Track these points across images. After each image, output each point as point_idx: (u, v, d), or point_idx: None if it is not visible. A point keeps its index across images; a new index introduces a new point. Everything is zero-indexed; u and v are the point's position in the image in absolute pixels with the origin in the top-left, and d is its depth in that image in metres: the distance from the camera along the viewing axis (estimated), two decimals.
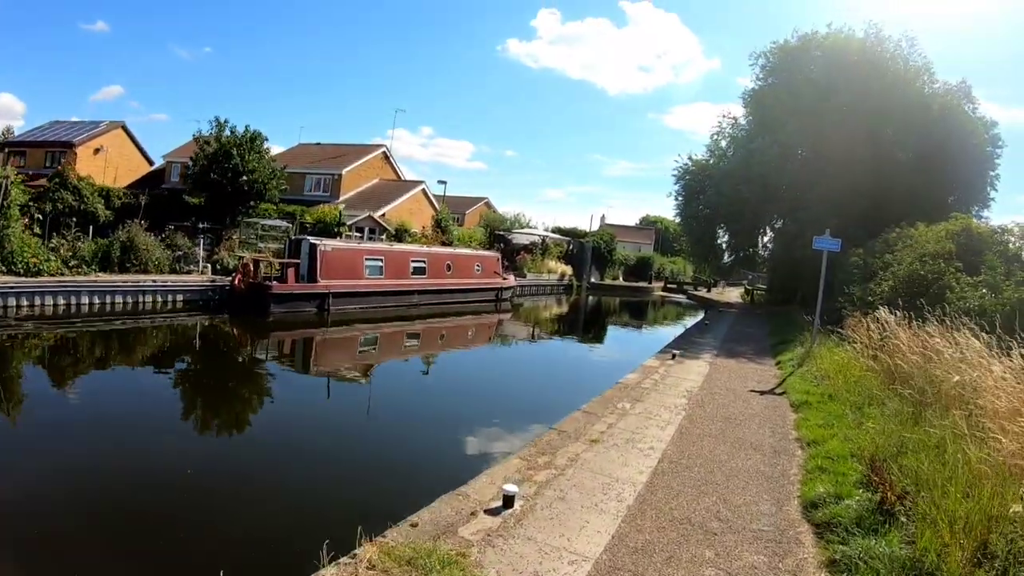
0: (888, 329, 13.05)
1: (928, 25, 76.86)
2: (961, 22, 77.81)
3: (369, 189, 50.96)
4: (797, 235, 31.42)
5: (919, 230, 20.33)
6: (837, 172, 30.21)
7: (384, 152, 54.91)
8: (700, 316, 35.08)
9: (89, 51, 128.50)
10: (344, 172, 50.28)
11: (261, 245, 30.07)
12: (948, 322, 11.21)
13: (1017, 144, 58.78)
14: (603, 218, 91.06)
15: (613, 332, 32.35)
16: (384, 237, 35.75)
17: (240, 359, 18.26)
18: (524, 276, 41.34)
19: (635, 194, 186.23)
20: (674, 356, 16.04)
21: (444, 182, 45.93)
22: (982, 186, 32.68)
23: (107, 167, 43.93)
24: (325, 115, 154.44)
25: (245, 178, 30.92)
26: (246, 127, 31.72)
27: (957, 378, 7.93)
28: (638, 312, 44.63)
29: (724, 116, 40.44)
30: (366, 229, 36.43)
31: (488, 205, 70.64)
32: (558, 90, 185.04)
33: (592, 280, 53.06)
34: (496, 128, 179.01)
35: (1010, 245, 18.51)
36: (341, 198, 48.00)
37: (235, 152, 30.73)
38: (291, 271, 23.91)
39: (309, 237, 25.96)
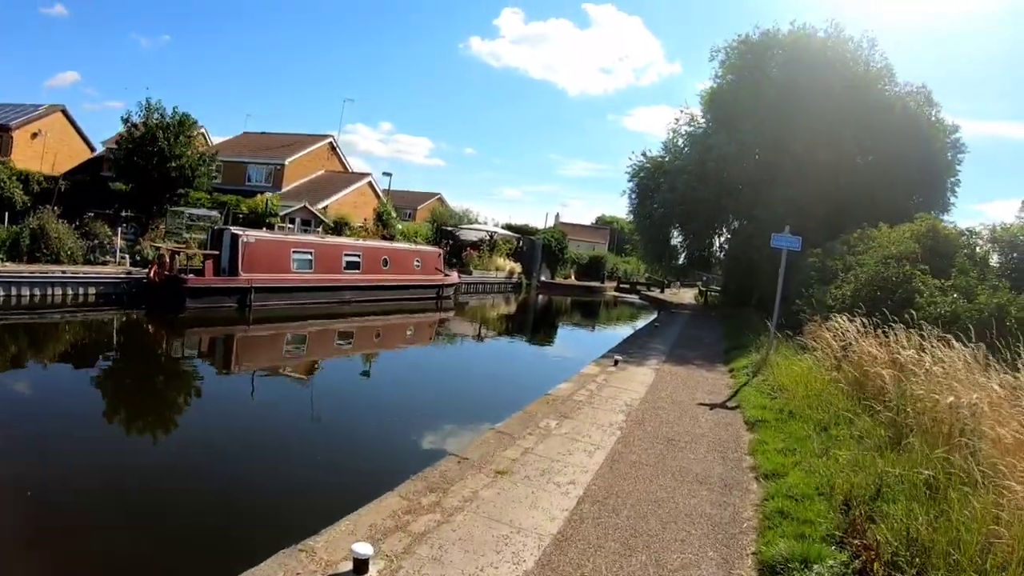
0: (850, 336, 11.68)
1: (885, 34, 76.77)
2: (919, 34, 77.82)
3: (314, 180, 49.12)
4: (754, 235, 30.32)
5: (882, 231, 19.13)
6: (796, 173, 29.25)
7: (331, 143, 53.07)
8: (652, 317, 33.77)
9: (47, 36, 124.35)
10: (287, 162, 48.35)
11: (186, 235, 27.98)
12: (917, 330, 9.91)
13: (973, 155, 58.63)
14: (557, 216, 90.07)
15: (561, 333, 30.68)
16: (320, 229, 33.69)
17: (138, 361, 16.20)
18: (470, 273, 39.54)
19: (593, 194, 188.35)
20: (616, 362, 14.42)
21: (389, 174, 44.51)
22: (943, 191, 31.87)
23: (45, 152, 41.15)
24: (283, 107, 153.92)
25: (172, 164, 28.75)
26: (174, 109, 29.50)
27: (951, 399, 6.37)
28: (589, 312, 43.13)
29: (682, 112, 39.08)
30: (299, 220, 34.24)
31: (441, 201, 68.97)
32: (519, 89, 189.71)
33: (542, 279, 51.18)
34: (456, 126, 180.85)
35: (978, 248, 17.38)
36: (284, 189, 46.13)
37: (161, 136, 28.53)
38: (209, 263, 21.90)
39: (231, 227, 23.92)
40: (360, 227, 36.24)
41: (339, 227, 34.67)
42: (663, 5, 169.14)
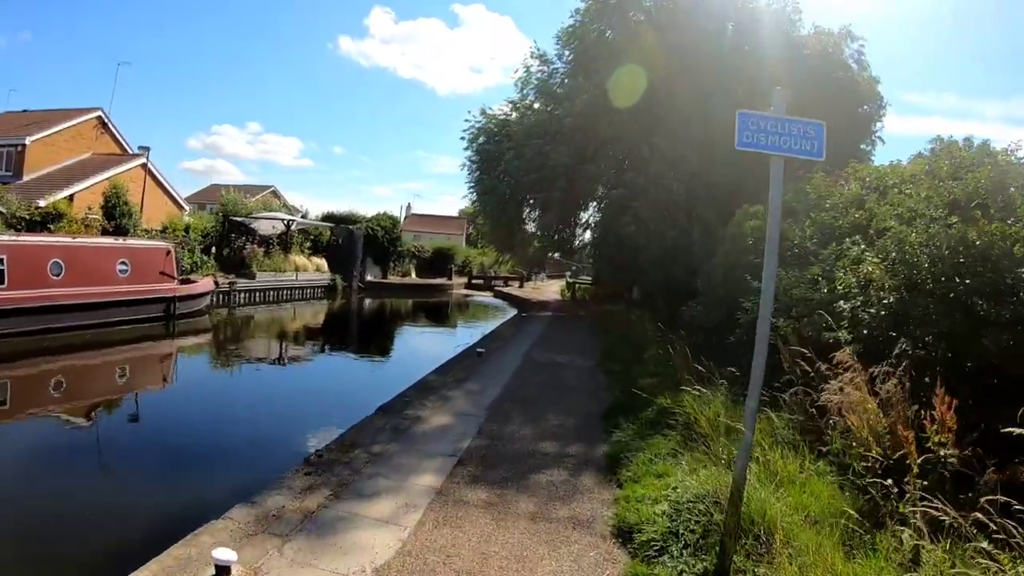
0: None
1: None
2: None
3: (72, 165, 37.06)
4: (627, 204, 22.20)
5: (881, 168, 10.37)
6: (681, 125, 21.64)
7: (99, 117, 40.82)
8: (497, 323, 24.41)
9: None
10: (30, 142, 36.01)
11: None
12: None
13: None
14: (408, 207, 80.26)
15: (358, 358, 20.56)
16: None
17: None
18: (253, 276, 28.84)
19: (461, 189, 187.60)
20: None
21: (147, 148, 33.12)
22: (861, 151, 24.22)
23: None
24: (147, 109, 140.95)
25: None
26: None
27: None
28: (428, 318, 33.19)
29: (531, 53, 29.74)
30: None
31: (275, 194, 58.36)
32: (389, 89, 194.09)
33: (370, 278, 40.92)
34: (325, 125, 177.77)
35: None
36: (28, 176, 34.11)
37: None
38: None
39: None
40: (88, 217, 24.88)
41: (47, 219, 23.45)
42: (533, 4, 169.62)
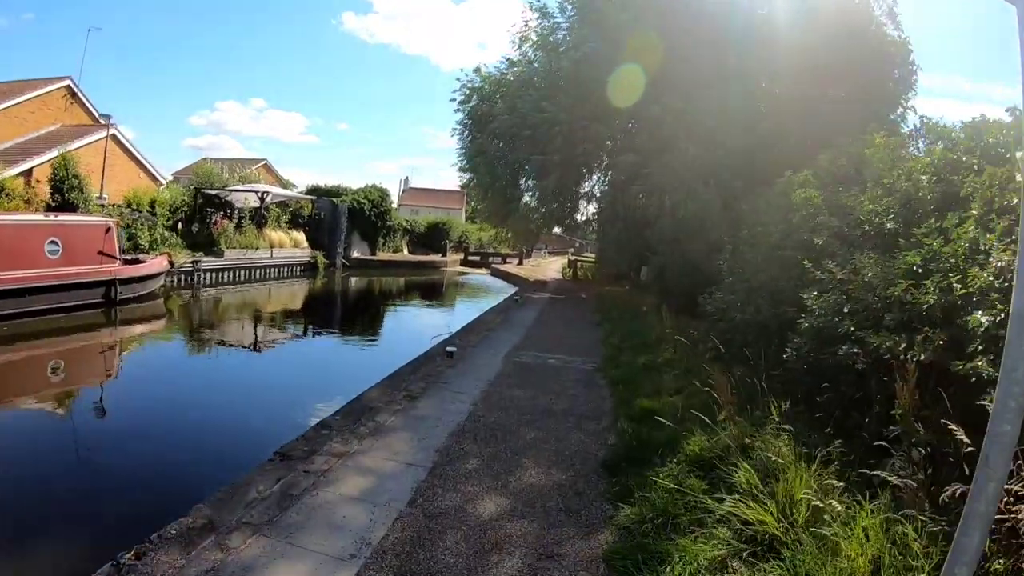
0: None
1: None
2: None
3: (38, 138, 34.50)
4: (638, 171, 19.64)
5: (974, 123, 7.48)
6: (694, 86, 19.13)
7: (68, 87, 38.19)
8: (494, 303, 21.79)
9: None
10: None
11: None
12: None
13: None
14: (406, 180, 77.97)
15: (329, 350, 18.05)
16: None
17: None
18: (221, 254, 26.28)
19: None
20: None
21: (108, 116, 30.54)
22: (891, 122, 20.92)
23: None
24: (149, 81, 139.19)
25: None
26: None
27: None
28: (417, 299, 30.69)
29: (531, 6, 26.39)
30: None
31: (267, 168, 55.79)
32: (393, 65, 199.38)
33: (356, 255, 38.17)
34: (330, 101, 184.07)
35: None
36: None
37: None
38: None
39: None
40: (25, 194, 22.22)
41: None
42: None
